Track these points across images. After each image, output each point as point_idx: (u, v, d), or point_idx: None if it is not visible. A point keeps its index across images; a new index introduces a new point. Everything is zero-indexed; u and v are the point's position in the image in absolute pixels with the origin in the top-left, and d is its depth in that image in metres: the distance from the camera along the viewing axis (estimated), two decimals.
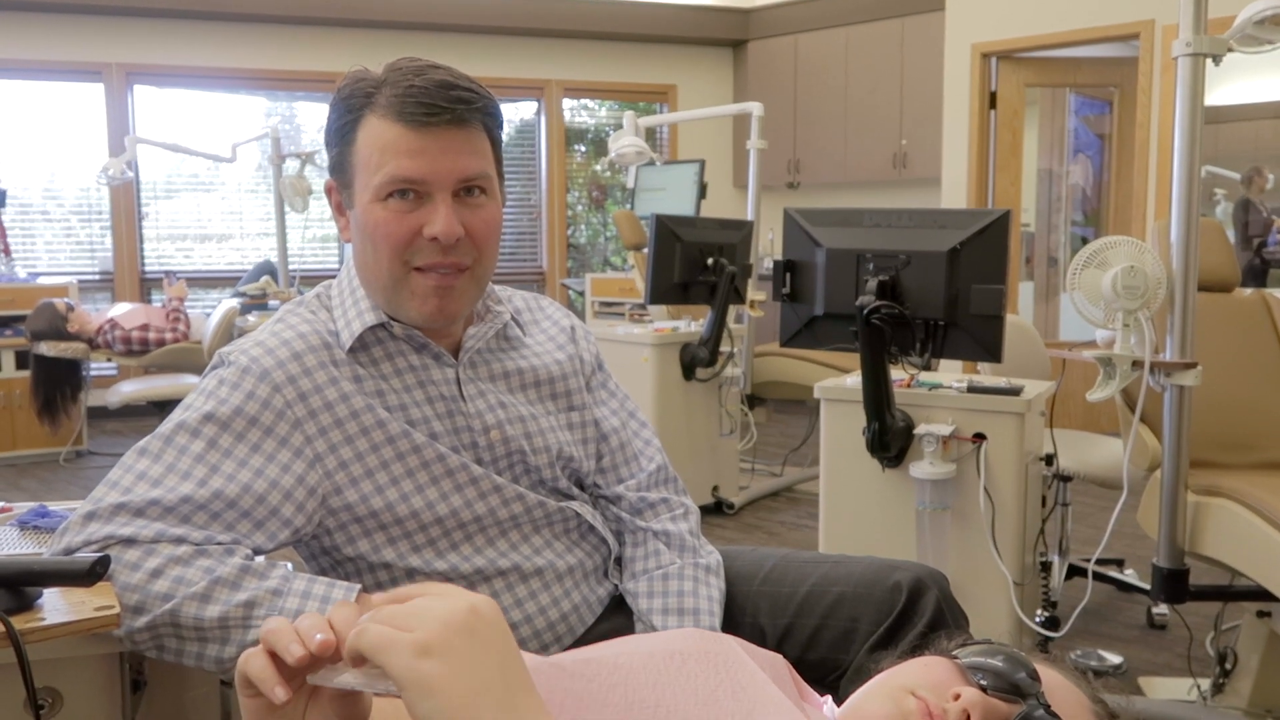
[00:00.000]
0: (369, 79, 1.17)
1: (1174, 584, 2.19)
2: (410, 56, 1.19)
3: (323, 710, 0.70)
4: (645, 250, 4.01)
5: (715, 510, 4.15)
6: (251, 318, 4.71)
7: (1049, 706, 0.80)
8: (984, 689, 0.81)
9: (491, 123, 1.20)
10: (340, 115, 1.18)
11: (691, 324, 4.15)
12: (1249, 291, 2.71)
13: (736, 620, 1.32)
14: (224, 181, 6.92)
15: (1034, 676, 0.83)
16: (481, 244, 1.20)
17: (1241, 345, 2.56)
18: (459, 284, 1.20)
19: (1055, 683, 0.85)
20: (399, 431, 1.20)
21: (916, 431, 2.35)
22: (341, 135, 1.18)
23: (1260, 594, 2.09)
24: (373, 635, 0.62)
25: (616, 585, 1.37)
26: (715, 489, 4.15)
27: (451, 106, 1.14)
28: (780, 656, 0.87)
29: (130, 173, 5.53)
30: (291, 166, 5.49)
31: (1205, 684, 2.35)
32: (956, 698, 0.79)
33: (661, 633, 0.84)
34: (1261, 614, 2.21)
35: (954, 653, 0.87)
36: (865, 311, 2.22)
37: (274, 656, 0.67)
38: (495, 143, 1.21)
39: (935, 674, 0.83)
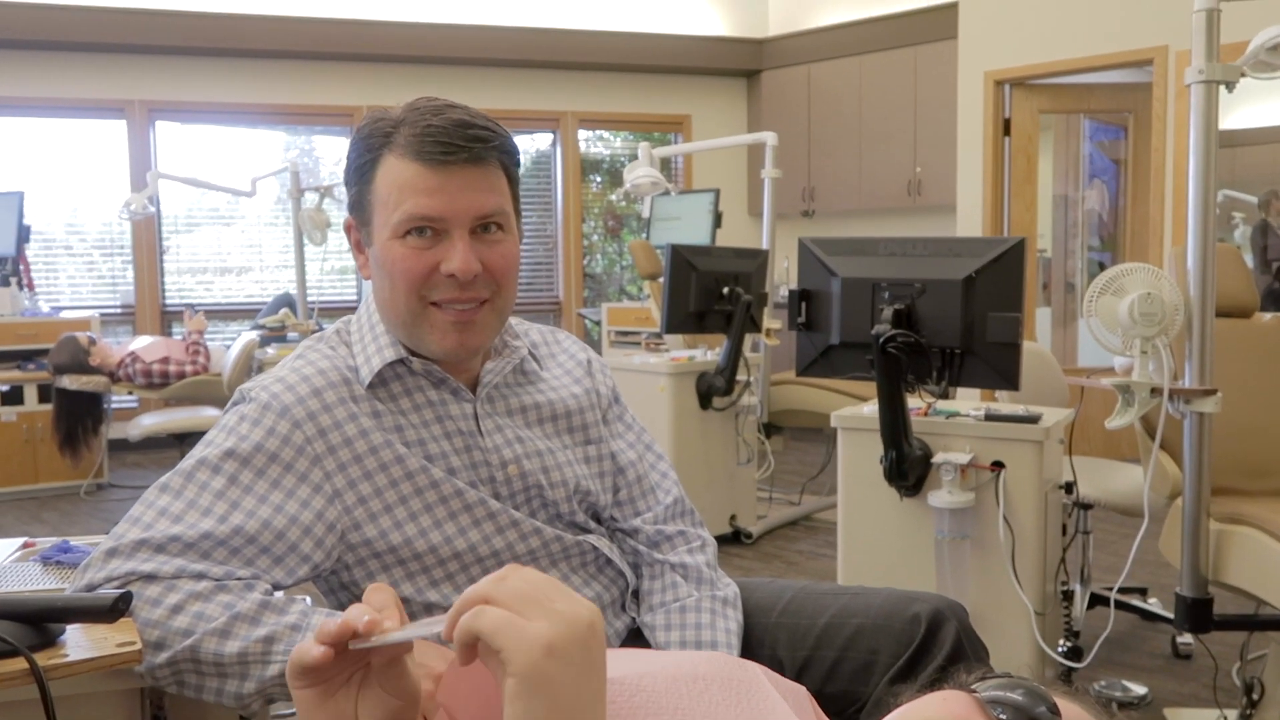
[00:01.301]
0: (388, 119, 1.18)
1: (1198, 613, 2.16)
2: (429, 96, 1.21)
3: (374, 694, 0.71)
4: (661, 280, 4.02)
5: (733, 539, 4.13)
6: (271, 350, 4.75)
7: None
8: None
9: (508, 160, 1.21)
10: (360, 155, 1.19)
11: (708, 353, 4.16)
12: (1268, 317, 2.69)
13: (755, 652, 1.32)
14: (244, 215, 7.00)
15: (1054, 711, 0.82)
16: (500, 278, 1.21)
17: (1261, 371, 2.54)
18: (479, 318, 1.21)
19: (1075, 716, 0.85)
20: (417, 467, 1.21)
21: (934, 460, 2.34)
22: (361, 174, 1.20)
23: None
24: (494, 617, 0.61)
25: (634, 618, 1.37)
26: (733, 518, 4.14)
27: (469, 145, 1.15)
28: (803, 688, 0.87)
29: (152, 207, 5.60)
30: (310, 200, 5.55)
31: (1232, 715, 2.31)
32: None
33: (686, 654, 0.84)
34: None
35: (973, 686, 0.86)
36: (881, 340, 2.22)
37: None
38: (512, 180, 1.23)
39: (954, 709, 0.82)
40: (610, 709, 0.70)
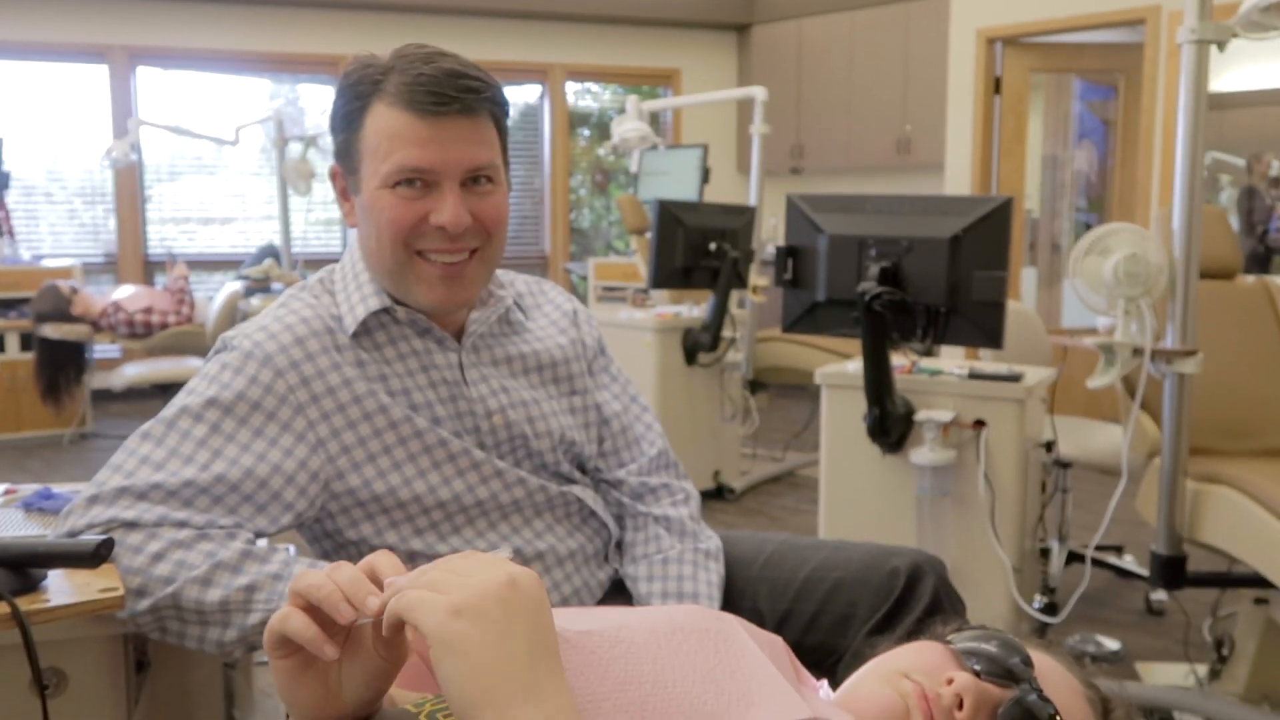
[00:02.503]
0: (376, 65, 1.17)
1: (1172, 570, 2.20)
2: (417, 43, 1.19)
3: (360, 660, 0.72)
4: (648, 235, 4.01)
5: (716, 495, 4.16)
6: (255, 301, 4.72)
7: (1041, 691, 0.81)
8: (977, 674, 0.82)
9: (499, 111, 1.20)
10: (347, 101, 1.18)
11: (694, 309, 4.15)
12: (1251, 279, 2.71)
13: (736, 604, 1.33)
14: (227, 164, 6.91)
15: (1027, 662, 0.84)
16: (490, 229, 1.21)
17: (1243, 333, 2.56)
18: (468, 270, 1.21)
19: (1048, 668, 0.86)
20: (401, 416, 1.21)
21: (917, 418, 2.36)
22: (348, 121, 1.18)
23: (1258, 581, 2.10)
24: (409, 597, 0.64)
25: (617, 569, 1.38)
26: (717, 474, 4.17)
27: (461, 96, 1.14)
28: (779, 639, 0.88)
29: (134, 155, 5.52)
30: (295, 149, 5.48)
31: (1202, 670, 2.36)
32: (950, 682, 0.80)
33: (664, 608, 0.85)
34: (1259, 601, 2.22)
35: (948, 638, 0.88)
36: (867, 297, 2.22)
37: (312, 612, 0.69)
38: (502, 131, 1.22)
39: (929, 659, 0.84)
40: (589, 659, 0.70)
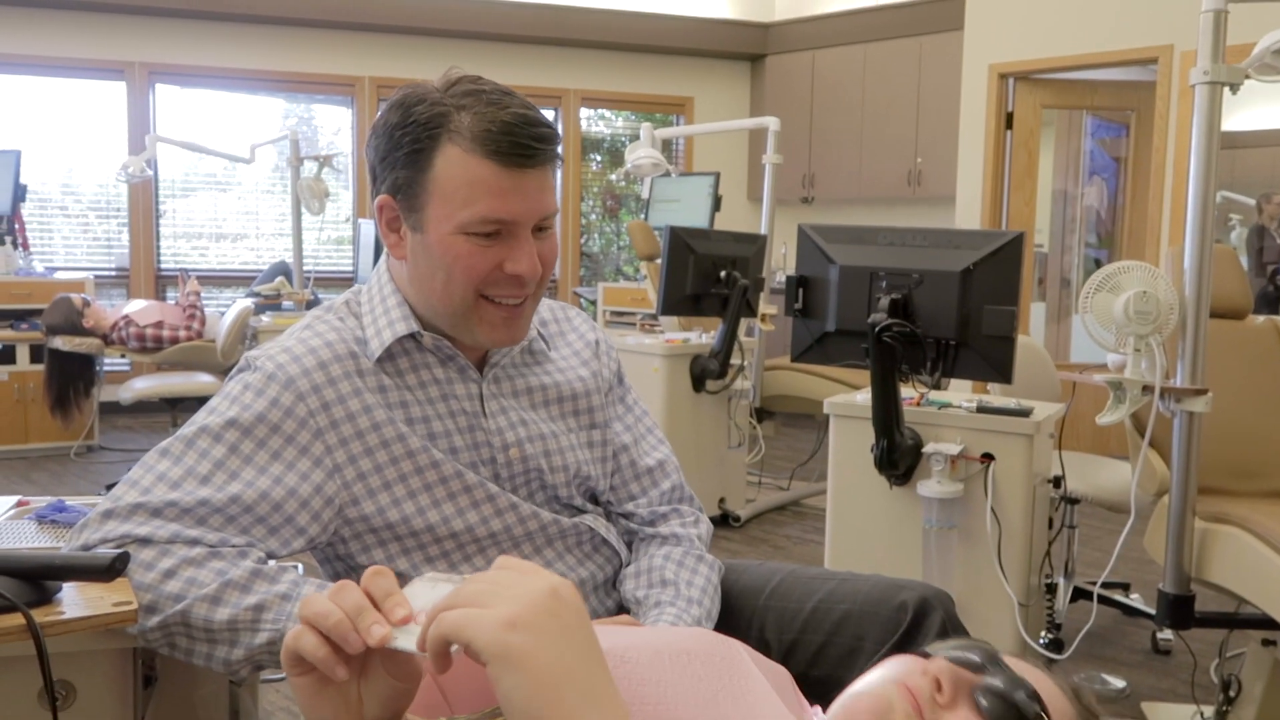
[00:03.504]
0: (440, 101, 1.15)
1: (1180, 610, 2.19)
2: (471, 76, 1.18)
3: (378, 677, 0.72)
4: (658, 261, 4.02)
5: (721, 522, 4.15)
6: (265, 318, 4.74)
7: (1014, 672, 0.82)
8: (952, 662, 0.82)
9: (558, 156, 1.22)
10: (413, 137, 1.15)
11: (702, 336, 4.16)
12: (1261, 319, 2.71)
13: (742, 634, 1.33)
14: (241, 181, 6.97)
15: (997, 656, 0.85)
16: (549, 271, 1.22)
17: (1252, 373, 2.56)
18: (527, 309, 1.23)
19: (1019, 664, 0.87)
20: (419, 445, 1.22)
21: (925, 450, 2.36)
22: (414, 159, 1.15)
23: (1266, 622, 2.09)
24: (454, 618, 0.63)
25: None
26: (722, 501, 4.16)
27: (540, 149, 1.15)
28: (784, 670, 0.88)
29: (149, 171, 5.57)
30: (309, 169, 5.52)
31: (1209, 711, 2.34)
32: (926, 672, 0.81)
33: (672, 630, 0.85)
34: (1267, 642, 2.21)
35: (925, 649, 0.89)
36: (877, 329, 2.23)
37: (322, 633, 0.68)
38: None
39: (909, 663, 0.85)
40: None
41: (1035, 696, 0.80)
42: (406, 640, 0.67)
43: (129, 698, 1.15)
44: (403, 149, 1.15)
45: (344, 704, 0.71)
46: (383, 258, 1.30)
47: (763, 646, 1.31)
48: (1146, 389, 2.13)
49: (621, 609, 1.36)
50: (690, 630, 0.85)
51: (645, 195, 5.26)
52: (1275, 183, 5.64)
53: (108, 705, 1.12)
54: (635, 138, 5.03)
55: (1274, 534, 2.01)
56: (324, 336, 1.23)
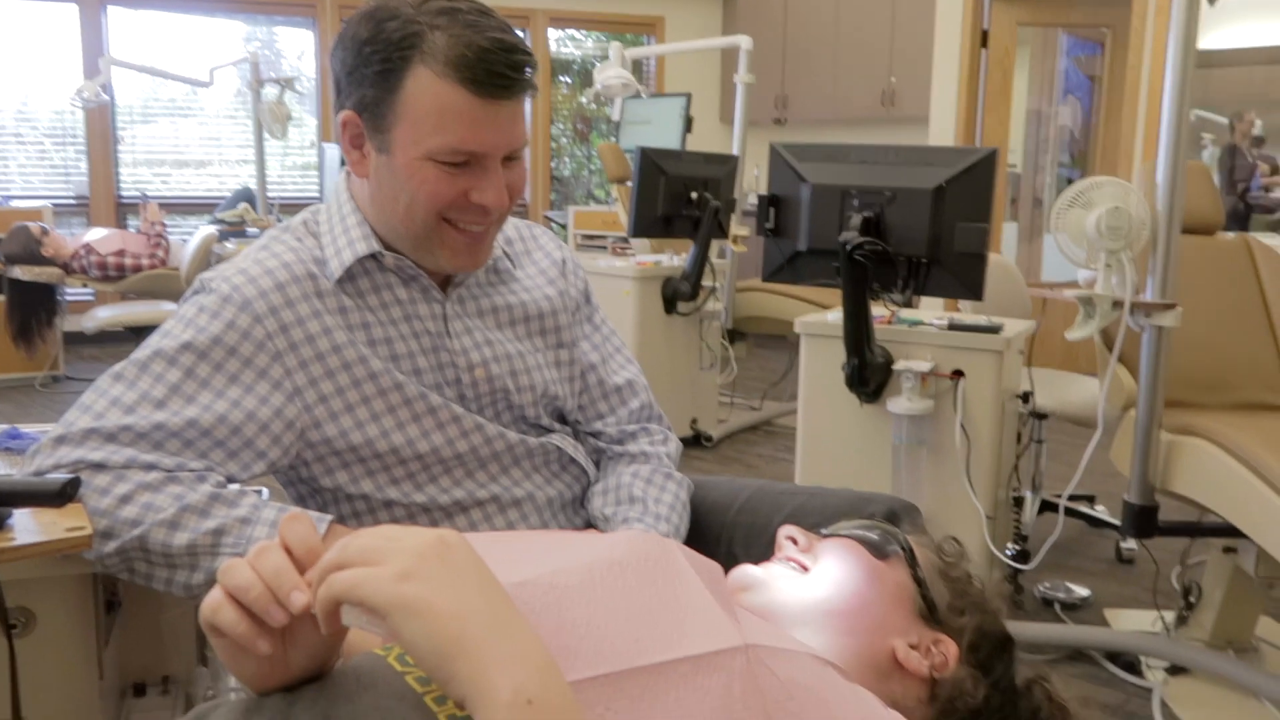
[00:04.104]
0: (413, 19, 1.09)
1: (1144, 520, 2.22)
2: None
3: (305, 632, 0.71)
4: (629, 183, 3.97)
5: (694, 443, 4.18)
6: (230, 245, 4.66)
7: (873, 524, 0.97)
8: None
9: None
10: (383, 56, 1.09)
11: (674, 258, 4.13)
12: (1231, 235, 2.71)
13: (711, 549, 1.33)
14: (202, 107, 6.79)
15: (895, 536, 0.97)
16: (515, 199, 1.19)
17: (1222, 288, 2.57)
18: (490, 234, 1.20)
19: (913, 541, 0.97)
20: (381, 367, 1.19)
21: (895, 368, 2.36)
22: (383, 79, 1.10)
23: (1227, 530, 2.13)
24: (345, 578, 0.63)
25: None
26: (694, 422, 4.18)
27: (516, 78, 1.10)
28: (717, 565, 0.89)
29: (105, 96, 5.41)
30: (271, 92, 5.38)
31: (1170, 616, 2.40)
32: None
33: (604, 538, 0.85)
34: (1228, 550, 2.25)
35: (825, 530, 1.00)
36: (849, 248, 2.21)
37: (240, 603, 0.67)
38: None
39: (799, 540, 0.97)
40: (523, 610, 0.70)
41: (877, 524, 0.96)
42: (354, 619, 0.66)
43: (91, 623, 1.14)
44: (372, 66, 1.10)
45: (268, 662, 0.70)
46: (341, 175, 1.26)
47: (731, 560, 1.31)
48: (1116, 304, 2.14)
49: (590, 528, 1.36)
50: (624, 535, 0.85)
51: (616, 117, 5.17)
52: (1248, 101, 5.61)
53: (69, 631, 1.11)
54: (605, 59, 4.92)
55: (1238, 445, 2.04)
56: (281, 257, 1.20)
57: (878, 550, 0.92)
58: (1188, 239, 2.40)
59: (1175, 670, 2.23)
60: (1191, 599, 2.35)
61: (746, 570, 0.93)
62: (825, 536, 0.96)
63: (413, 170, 1.12)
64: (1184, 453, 2.19)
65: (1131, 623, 2.52)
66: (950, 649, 0.88)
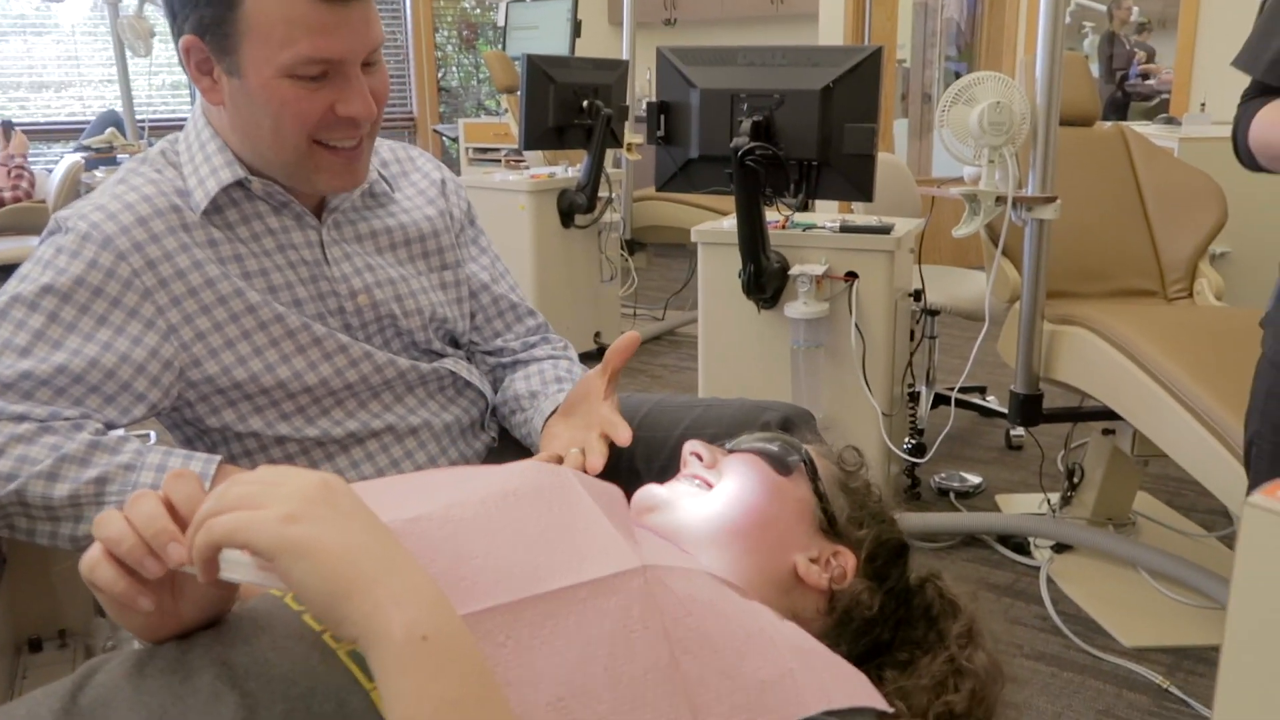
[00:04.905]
0: None
1: (1029, 408, 2.32)
2: None
3: (192, 586, 0.69)
4: (519, 93, 3.87)
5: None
6: (99, 173, 4.42)
7: (770, 436, 0.98)
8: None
9: None
10: None
11: (569, 169, 4.07)
12: (1108, 125, 2.79)
13: (613, 465, 1.34)
14: (58, 24, 6.34)
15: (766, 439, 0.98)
16: (381, 107, 1.14)
17: (1099, 178, 2.65)
18: (364, 150, 1.16)
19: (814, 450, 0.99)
20: (259, 300, 1.15)
21: (791, 272, 2.38)
22: None
23: (1106, 414, 2.24)
24: (226, 521, 0.62)
25: (493, 437, 1.37)
26: (597, 335, 4.18)
27: None
28: (616, 488, 0.90)
29: None
30: (129, 5, 5.04)
31: (1055, 498, 2.53)
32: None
33: (498, 470, 0.85)
34: (1106, 432, 2.37)
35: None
36: (739, 153, 2.20)
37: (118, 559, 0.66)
38: None
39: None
40: (419, 545, 0.71)
41: (780, 438, 0.97)
42: (234, 574, 0.65)
43: None
44: None
45: (157, 614, 0.69)
46: (197, 102, 1.19)
47: (633, 475, 1.32)
48: (1000, 200, 2.19)
49: (490, 450, 1.36)
50: (518, 466, 0.85)
51: (502, 23, 5.02)
52: None
53: None
54: None
55: (1114, 331, 2.13)
56: (141, 190, 1.13)
57: (780, 465, 0.93)
58: (1066, 131, 2.46)
59: (1061, 548, 2.36)
60: (1075, 480, 2.48)
61: (651, 490, 0.94)
62: (729, 451, 0.97)
63: (270, 91, 1.07)
64: (1065, 342, 2.28)
65: (1021, 506, 2.65)
66: (849, 560, 0.91)
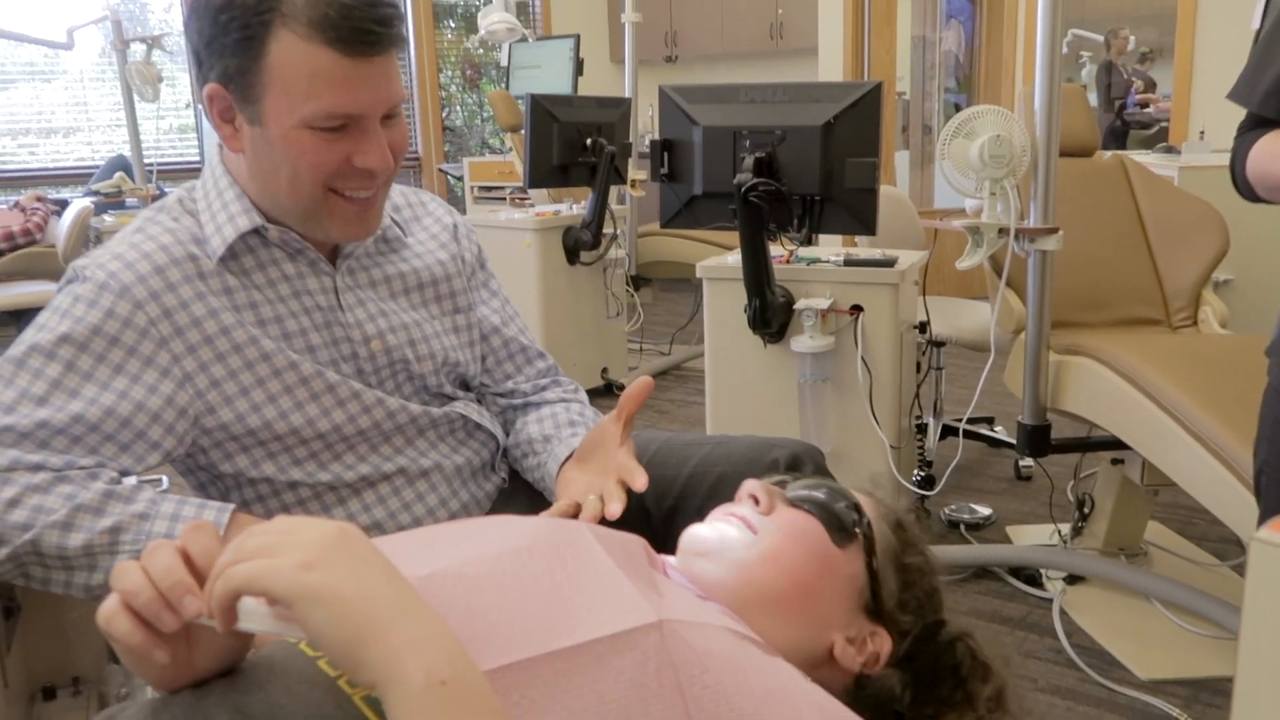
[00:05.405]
0: None
1: (1037, 438, 2.32)
2: None
3: (209, 639, 0.70)
4: (523, 131, 3.90)
5: (605, 392, 4.19)
6: (108, 217, 4.46)
7: (821, 483, 0.94)
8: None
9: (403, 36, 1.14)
10: (242, 22, 1.05)
11: (573, 206, 4.10)
12: (1108, 155, 2.80)
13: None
14: (66, 70, 6.42)
15: (819, 484, 0.95)
16: (399, 159, 1.16)
17: (1100, 208, 2.66)
18: (379, 200, 1.18)
19: (862, 500, 0.96)
20: (273, 348, 1.16)
21: (796, 306, 2.39)
22: (244, 46, 1.05)
23: (1114, 444, 2.24)
24: (245, 570, 0.62)
25: (504, 479, 1.38)
26: (604, 371, 4.18)
27: (384, 33, 1.07)
28: (636, 538, 0.89)
29: None
30: (137, 51, 5.11)
31: (1066, 528, 2.52)
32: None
33: (512, 525, 0.85)
34: (1115, 461, 2.37)
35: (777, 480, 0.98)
36: (743, 189, 2.22)
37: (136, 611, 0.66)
38: None
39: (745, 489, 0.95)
40: (434, 601, 0.70)
41: (844, 495, 0.92)
42: (253, 625, 0.65)
43: None
44: (231, 34, 1.06)
45: (171, 664, 0.69)
46: (213, 149, 1.21)
47: (642, 515, 1.33)
48: (1002, 231, 2.20)
49: (500, 492, 1.36)
50: (532, 521, 0.85)
51: (505, 62, 5.07)
52: (1122, 18, 5.77)
53: None
54: (489, 1, 4.80)
55: (1120, 361, 2.13)
56: (158, 239, 1.15)
57: (839, 533, 0.89)
58: (1066, 162, 2.47)
59: (1073, 579, 2.35)
60: (1085, 510, 2.47)
61: (698, 535, 0.91)
62: (791, 503, 0.92)
63: (290, 140, 1.08)
64: (1071, 372, 2.28)
65: (1031, 537, 2.63)
66: (885, 644, 0.89)
